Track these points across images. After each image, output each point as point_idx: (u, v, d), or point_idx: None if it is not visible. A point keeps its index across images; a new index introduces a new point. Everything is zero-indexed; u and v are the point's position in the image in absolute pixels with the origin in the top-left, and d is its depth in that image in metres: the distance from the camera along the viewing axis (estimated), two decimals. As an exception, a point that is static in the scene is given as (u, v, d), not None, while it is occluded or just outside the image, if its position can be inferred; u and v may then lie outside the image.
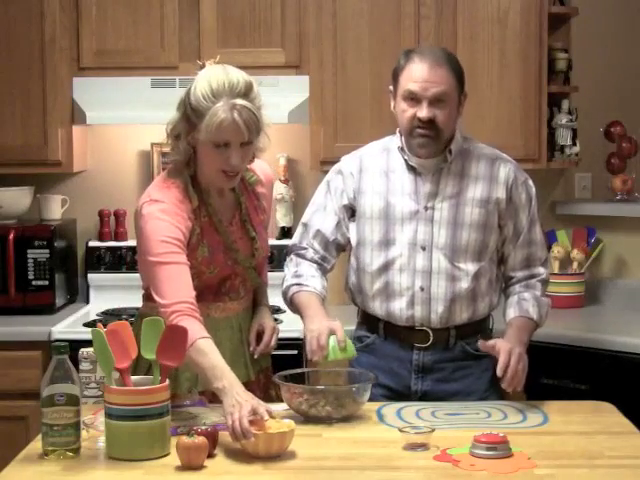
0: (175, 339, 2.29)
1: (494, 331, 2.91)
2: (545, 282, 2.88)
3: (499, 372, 2.59)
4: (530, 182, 2.86)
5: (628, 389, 3.27)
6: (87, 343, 2.43)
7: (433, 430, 2.32)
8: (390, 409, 2.62)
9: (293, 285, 2.82)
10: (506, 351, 2.61)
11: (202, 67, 2.58)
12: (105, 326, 2.31)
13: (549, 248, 3.97)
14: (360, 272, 2.85)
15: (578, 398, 2.99)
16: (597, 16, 4.20)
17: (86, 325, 3.71)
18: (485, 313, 2.85)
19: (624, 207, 4.06)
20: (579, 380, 3.42)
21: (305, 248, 2.88)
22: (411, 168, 2.80)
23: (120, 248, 4.15)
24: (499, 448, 2.22)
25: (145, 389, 2.25)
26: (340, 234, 2.88)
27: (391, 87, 2.80)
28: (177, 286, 2.49)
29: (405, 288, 2.78)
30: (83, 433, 2.31)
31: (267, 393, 2.77)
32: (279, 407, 2.53)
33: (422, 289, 2.77)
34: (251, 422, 2.23)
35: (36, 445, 2.31)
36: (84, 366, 2.52)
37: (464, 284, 2.77)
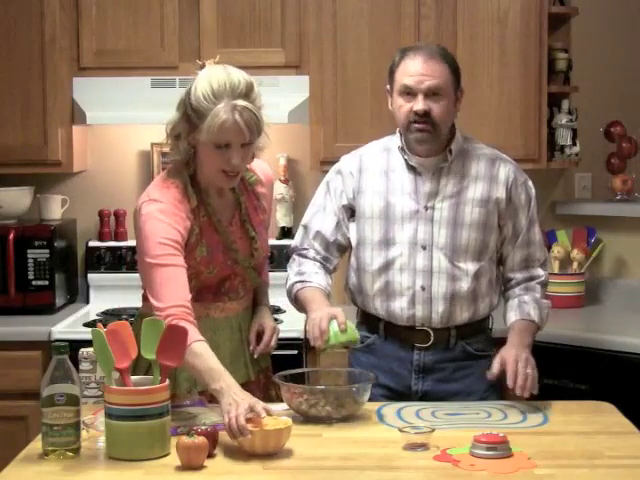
0: (175, 339, 2.29)
1: (494, 331, 2.92)
2: (545, 284, 2.88)
3: (510, 383, 2.58)
4: (530, 183, 2.86)
5: (628, 389, 3.27)
6: (87, 343, 2.43)
7: (433, 430, 2.32)
8: (390, 409, 2.62)
9: (297, 282, 2.82)
10: (512, 360, 2.60)
11: (202, 67, 2.58)
12: (105, 326, 2.30)
13: (549, 248, 3.97)
14: (360, 272, 2.85)
15: (578, 398, 2.99)
16: (597, 16, 4.20)
17: (86, 325, 3.71)
18: (485, 313, 2.85)
19: (624, 207, 4.06)
20: (579, 380, 3.42)
21: (306, 249, 2.88)
22: (411, 168, 2.80)
23: (120, 248, 4.15)
24: (499, 448, 2.22)
25: (145, 389, 2.25)
26: (340, 234, 2.88)
27: (388, 86, 2.80)
28: (173, 289, 2.49)
29: (406, 287, 2.78)
30: (83, 433, 2.31)
31: (267, 393, 2.77)
32: (279, 407, 2.53)
33: (423, 288, 2.77)
34: (248, 420, 2.24)
35: (36, 445, 2.31)
36: (84, 366, 2.51)
37: (464, 284, 2.77)
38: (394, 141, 2.85)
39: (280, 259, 3.80)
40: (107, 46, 3.93)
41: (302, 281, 2.81)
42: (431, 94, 2.70)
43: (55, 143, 3.93)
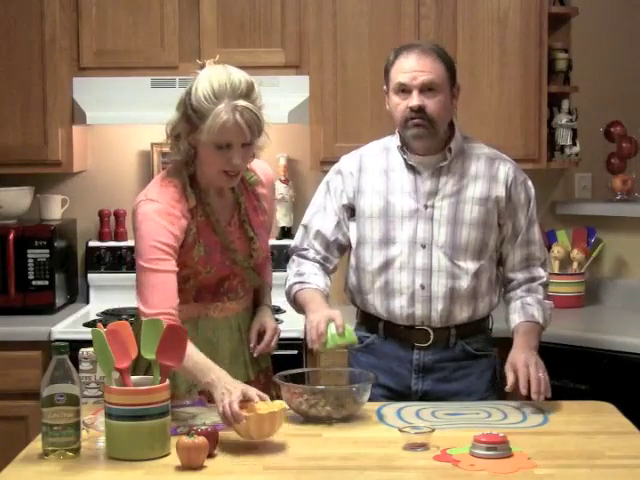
0: (175, 339, 2.30)
1: (494, 331, 2.92)
2: (546, 285, 2.88)
3: (523, 390, 2.57)
4: (529, 182, 2.87)
5: (628, 389, 3.27)
6: (87, 343, 2.43)
7: (433, 430, 2.32)
8: (390, 409, 2.62)
9: (295, 284, 2.82)
10: (522, 365, 2.60)
11: (202, 67, 2.58)
12: (105, 326, 2.31)
13: (549, 248, 3.97)
14: (360, 271, 2.85)
15: (578, 398, 2.99)
16: (597, 16, 4.20)
17: (86, 325, 3.71)
18: (485, 313, 2.85)
19: (624, 207, 4.06)
20: (579, 380, 3.42)
21: (306, 249, 2.88)
22: (410, 167, 2.81)
23: (120, 248, 4.15)
24: (499, 448, 2.22)
25: (145, 389, 2.25)
26: (341, 234, 2.88)
27: (385, 87, 2.81)
28: (160, 295, 2.50)
29: (405, 286, 2.78)
30: (83, 433, 2.31)
31: (267, 393, 2.77)
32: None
33: (422, 287, 2.77)
34: (242, 406, 2.26)
35: (36, 445, 2.31)
36: (84, 366, 2.52)
37: (464, 282, 2.77)
38: (393, 141, 2.86)
39: (280, 259, 3.80)
40: (107, 46, 3.93)
41: (301, 282, 2.81)
42: (426, 90, 2.70)
43: (55, 143, 3.93)
